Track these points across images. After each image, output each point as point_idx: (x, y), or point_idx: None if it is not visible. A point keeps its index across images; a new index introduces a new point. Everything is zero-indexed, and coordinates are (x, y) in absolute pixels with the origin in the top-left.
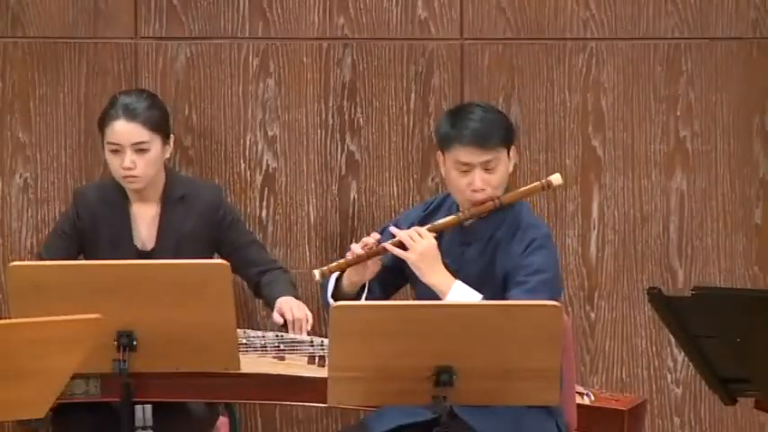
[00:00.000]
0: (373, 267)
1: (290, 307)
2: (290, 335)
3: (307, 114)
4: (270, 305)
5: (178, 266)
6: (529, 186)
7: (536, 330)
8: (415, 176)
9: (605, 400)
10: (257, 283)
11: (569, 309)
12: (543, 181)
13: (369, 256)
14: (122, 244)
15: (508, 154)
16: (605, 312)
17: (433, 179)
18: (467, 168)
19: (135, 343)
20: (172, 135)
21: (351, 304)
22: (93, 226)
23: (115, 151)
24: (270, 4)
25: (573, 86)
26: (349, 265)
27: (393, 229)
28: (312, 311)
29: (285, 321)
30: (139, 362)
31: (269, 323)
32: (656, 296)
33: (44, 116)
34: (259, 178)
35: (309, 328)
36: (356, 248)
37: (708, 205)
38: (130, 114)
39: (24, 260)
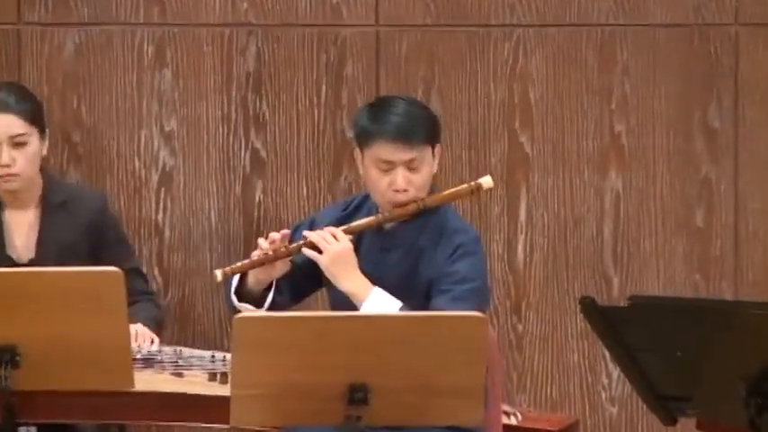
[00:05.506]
0: (282, 266)
1: (134, 330)
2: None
3: (207, 108)
4: None
5: (66, 274)
6: (456, 189)
7: (458, 344)
8: (326, 176)
9: (534, 420)
10: None
11: (495, 320)
12: (472, 183)
13: (277, 257)
14: None
15: (433, 152)
16: (534, 324)
17: (345, 178)
18: (388, 167)
19: (18, 359)
20: (47, 130)
21: (254, 315)
22: None
23: None
24: None
25: (498, 77)
26: (254, 266)
27: (306, 232)
28: (216, 317)
29: None
30: (24, 379)
31: (165, 336)
32: (588, 306)
33: None
34: (155, 178)
35: (152, 348)
36: (263, 244)
37: (645, 206)
38: (3, 106)
39: None
